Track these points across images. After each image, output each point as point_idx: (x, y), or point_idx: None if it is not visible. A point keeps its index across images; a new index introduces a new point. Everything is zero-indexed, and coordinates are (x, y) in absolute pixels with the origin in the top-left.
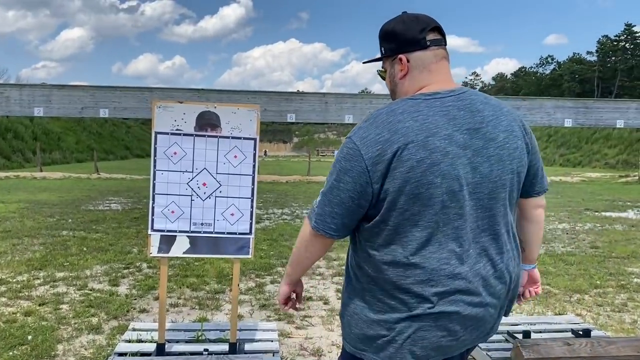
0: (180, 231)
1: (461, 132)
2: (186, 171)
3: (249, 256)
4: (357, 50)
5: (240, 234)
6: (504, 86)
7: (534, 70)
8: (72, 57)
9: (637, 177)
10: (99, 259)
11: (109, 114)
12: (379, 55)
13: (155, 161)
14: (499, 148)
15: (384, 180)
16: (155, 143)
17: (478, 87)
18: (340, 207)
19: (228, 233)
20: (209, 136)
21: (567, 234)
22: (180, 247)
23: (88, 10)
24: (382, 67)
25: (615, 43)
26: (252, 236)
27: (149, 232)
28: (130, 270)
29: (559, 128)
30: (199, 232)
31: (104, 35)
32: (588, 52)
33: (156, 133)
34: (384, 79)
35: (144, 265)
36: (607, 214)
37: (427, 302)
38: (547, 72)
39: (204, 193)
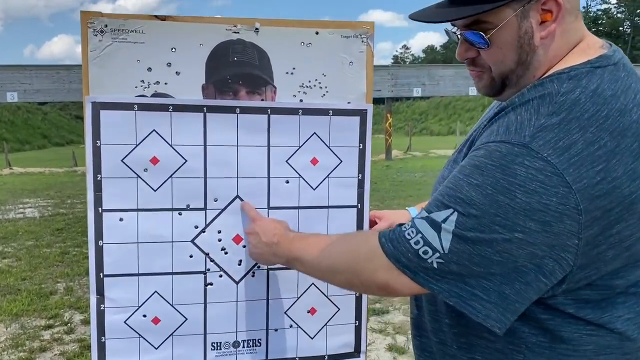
0: None
1: None
2: (187, 208)
3: None
4: None
5: (332, 356)
6: (434, 58)
7: None
8: None
9: None
10: (2, 312)
11: (19, 97)
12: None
13: (96, 183)
14: None
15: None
16: (97, 136)
17: (409, 61)
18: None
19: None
20: (242, 111)
21: None
22: None
23: None
24: (471, 27)
25: None
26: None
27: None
28: (55, 330)
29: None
30: None
31: (14, 17)
32: None
33: (95, 105)
34: (473, 45)
35: (76, 317)
36: None
37: None
38: None
39: (239, 265)
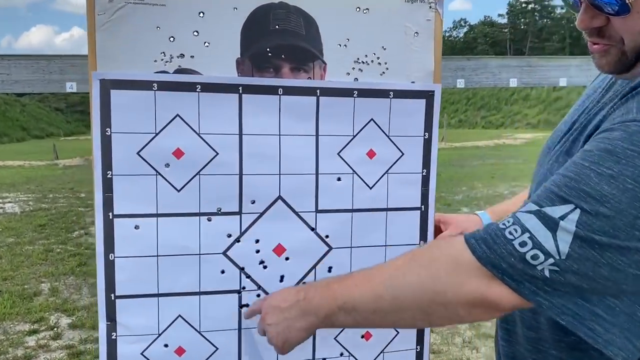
0: None
1: None
2: (218, 212)
3: None
4: None
5: None
6: None
7: (448, 34)
8: None
9: None
10: None
11: None
12: None
13: (106, 182)
14: None
15: None
16: (106, 123)
17: None
18: None
19: None
20: (286, 92)
21: None
22: None
23: None
24: None
25: (525, 5)
26: None
27: None
28: (40, 336)
29: (477, 90)
30: None
31: None
32: (499, 15)
33: (105, 83)
34: (602, 10)
35: (62, 320)
36: None
37: None
38: (461, 35)
39: (280, 282)
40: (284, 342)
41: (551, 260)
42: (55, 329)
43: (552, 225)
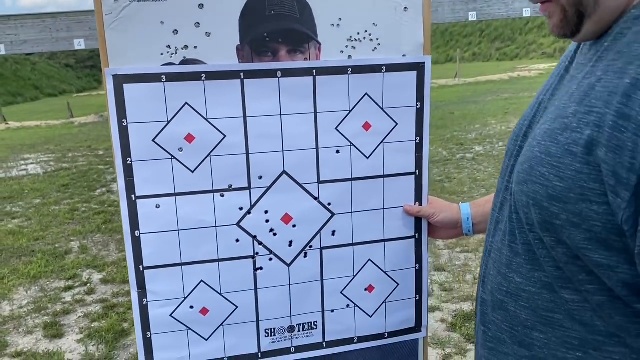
0: None
1: None
2: (230, 188)
3: None
4: None
5: (393, 333)
6: None
7: None
8: None
9: None
10: (20, 275)
11: (6, 50)
12: None
13: (127, 168)
14: None
15: None
16: (122, 114)
17: None
18: None
19: (365, 338)
20: (284, 74)
21: None
22: None
23: None
24: None
25: None
26: (423, 335)
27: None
28: (76, 292)
29: (491, 21)
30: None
31: None
32: None
33: (118, 79)
34: None
35: (95, 276)
36: None
37: None
38: None
39: (289, 246)
40: None
41: None
42: (88, 284)
43: None
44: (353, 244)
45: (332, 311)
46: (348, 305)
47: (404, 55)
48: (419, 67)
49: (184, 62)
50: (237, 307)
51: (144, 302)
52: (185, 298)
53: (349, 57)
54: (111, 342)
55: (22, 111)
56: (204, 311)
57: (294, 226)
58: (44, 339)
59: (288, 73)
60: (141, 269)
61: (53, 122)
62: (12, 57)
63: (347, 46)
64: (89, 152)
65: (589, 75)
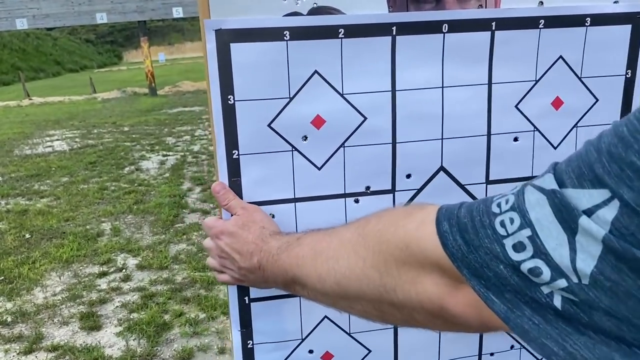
0: None
1: None
2: (367, 192)
3: None
4: None
5: None
6: None
7: None
8: None
9: None
10: (51, 259)
11: (28, 24)
12: None
13: (232, 164)
14: None
15: None
16: (228, 88)
17: None
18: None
19: None
20: (451, 28)
21: None
22: None
23: None
24: None
25: None
26: None
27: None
28: (111, 278)
29: None
30: None
31: None
32: None
33: (222, 35)
34: None
35: (130, 261)
36: None
37: None
38: None
39: None
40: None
41: (563, 283)
42: (124, 270)
43: (570, 223)
44: None
45: (492, 354)
46: (512, 347)
47: (615, 2)
48: (636, 19)
49: (314, 11)
50: (370, 351)
51: (249, 345)
52: (303, 339)
53: (541, 3)
54: (153, 337)
55: (44, 86)
56: (327, 356)
57: None
58: (80, 331)
59: (457, 26)
60: (247, 301)
61: (76, 97)
62: (34, 32)
63: None
64: (114, 129)
65: None
